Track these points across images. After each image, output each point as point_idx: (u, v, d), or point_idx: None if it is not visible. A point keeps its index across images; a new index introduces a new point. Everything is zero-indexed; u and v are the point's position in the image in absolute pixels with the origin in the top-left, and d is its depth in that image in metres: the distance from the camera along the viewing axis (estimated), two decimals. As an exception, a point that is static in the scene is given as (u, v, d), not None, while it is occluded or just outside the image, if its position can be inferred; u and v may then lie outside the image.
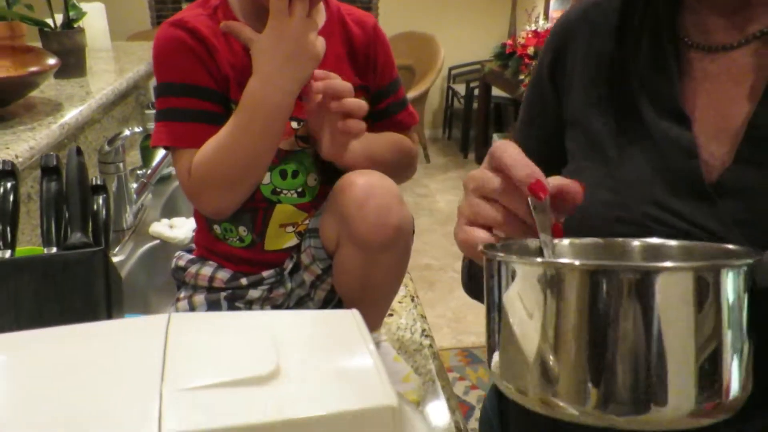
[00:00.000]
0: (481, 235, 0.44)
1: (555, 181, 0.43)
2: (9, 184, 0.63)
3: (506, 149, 0.43)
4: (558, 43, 0.63)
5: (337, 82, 0.65)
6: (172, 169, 1.37)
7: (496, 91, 4.07)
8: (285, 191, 0.71)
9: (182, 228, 1.18)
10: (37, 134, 1.00)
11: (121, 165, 1.12)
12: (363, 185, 0.63)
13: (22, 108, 1.12)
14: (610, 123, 0.58)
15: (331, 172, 0.71)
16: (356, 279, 0.68)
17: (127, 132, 1.12)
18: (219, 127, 0.66)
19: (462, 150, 4.65)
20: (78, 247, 0.59)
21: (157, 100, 0.68)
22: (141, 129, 1.14)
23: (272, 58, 0.62)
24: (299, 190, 0.71)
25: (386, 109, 0.76)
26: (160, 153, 1.19)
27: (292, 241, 0.72)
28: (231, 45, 0.67)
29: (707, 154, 0.52)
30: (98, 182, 0.76)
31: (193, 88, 0.66)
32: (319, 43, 0.64)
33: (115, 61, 1.75)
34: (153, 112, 1.44)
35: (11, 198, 0.63)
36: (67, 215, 0.62)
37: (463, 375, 2.25)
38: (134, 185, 1.19)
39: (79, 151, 0.64)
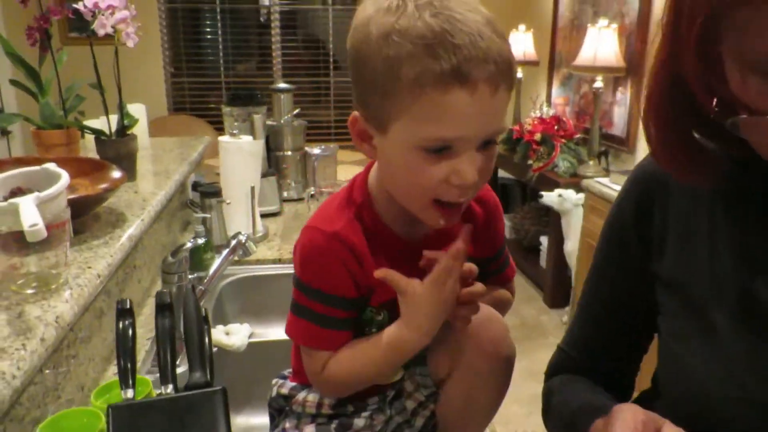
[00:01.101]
0: None
1: None
2: (127, 322, 0.67)
3: None
4: (642, 190, 0.66)
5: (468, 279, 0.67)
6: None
7: (502, 173, 4.19)
8: None
9: (238, 335, 1.21)
10: (111, 249, 1.04)
11: (183, 275, 1.16)
12: (479, 317, 0.67)
13: (91, 219, 1.17)
14: (714, 295, 0.58)
15: None
16: (463, 406, 0.71)
17: (189, 243, 1.17)
18: (352, 331, 0.70)
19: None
20: (200, 386, 0.62)
21: (297, 293, 0.70)
22: (203, 240, 1.19)
23: (425, 315, 0.66)
24: None
25: (495, 270, 0.80)
26: (216, 261, 1.24)
27: (400, 374, 0.75)
28: (378, 255, 0.69)
29: None
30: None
31: (338, 300, 0.69)
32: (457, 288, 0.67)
33: (157, 160, 1.83)
34: (199, 214, 1.49)
35: (130, 335, 0.66)
36: (185, 352, 0.65)
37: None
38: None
39: (193, 288, 0.68)
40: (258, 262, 1.57)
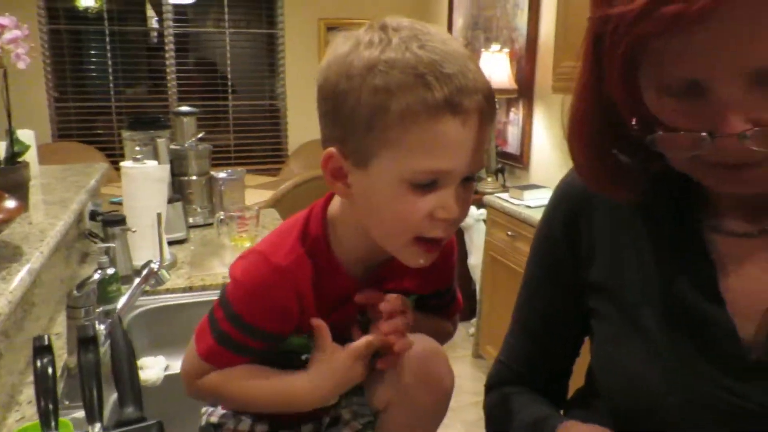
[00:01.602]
0: None
1: None
2: (46, 360, 0.62)
3: None
4: (569, 206, 0.71)
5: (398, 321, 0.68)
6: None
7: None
8: None
9: (154, 368, 1.15)
10: (9, 285, 0.96)
11: (91, 309, 1.09)
12: (421, 353, 0.67)
13: (-18, 254, 1.08)
14: (642, 298, 0.62)
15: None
16: None
17: (96, 275, 1.11)
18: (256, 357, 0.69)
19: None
20: (134, 421, 0.59)
21: (221, 313, 0.67)
22: (112, 271, 1.13)
23: (332, 379, 0.67)
24: None
25: (444, 303, 0.80)
26: (127, 293, 1.17)
27: (335, 399, 0.75)
28: (322, 294, 0.68)
29: (743, 332, 0.57)
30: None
31: (261, 333, 0.67)
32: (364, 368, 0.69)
33: (49, 189, 1.71)
34: (100, 244, 1.41)
35: (50, 373, 0.62)
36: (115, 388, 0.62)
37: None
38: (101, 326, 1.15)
39: (119, 319, 0.65)
40: (168, 291, 1.51)
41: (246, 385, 0.68)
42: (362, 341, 0.67)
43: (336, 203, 0.69)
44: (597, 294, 0.68)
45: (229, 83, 4.62)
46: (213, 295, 1.52)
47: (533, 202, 2.62)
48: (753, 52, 0.45)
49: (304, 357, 0.72)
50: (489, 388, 0.80)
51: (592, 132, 0.59)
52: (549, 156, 3.05)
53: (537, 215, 2.45)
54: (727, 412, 0.57)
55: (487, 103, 0.58)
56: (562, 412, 0.78)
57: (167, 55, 4.40)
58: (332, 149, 0.61)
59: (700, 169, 0.54)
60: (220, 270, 1.63)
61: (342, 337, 0.69)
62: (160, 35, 4.42)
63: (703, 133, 0.49)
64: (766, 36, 0.44)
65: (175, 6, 4.36)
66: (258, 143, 4.74)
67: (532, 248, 0.77)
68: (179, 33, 4.43)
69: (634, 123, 0.55)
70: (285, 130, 4.69)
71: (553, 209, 0.74)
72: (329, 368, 0.66)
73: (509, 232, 2.65)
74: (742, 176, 0.51)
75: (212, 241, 1.90)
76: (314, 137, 4.49)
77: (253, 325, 0.66)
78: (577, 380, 0.80)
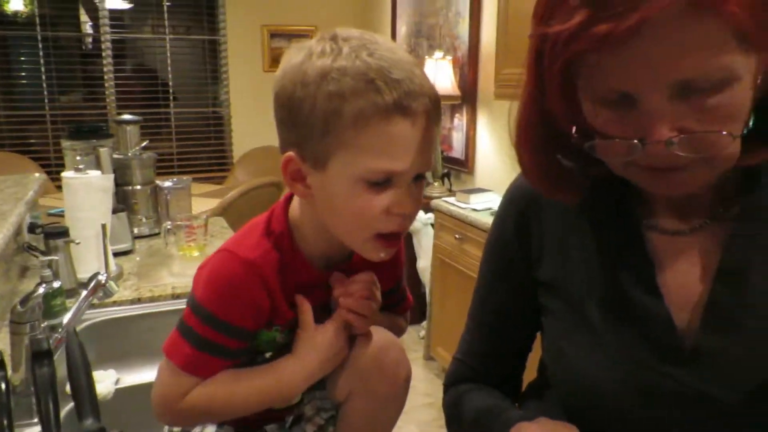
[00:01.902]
0: None
1: None
2: (-2, 375, 0.61)
3: None
4: (519, 208, 0.74)
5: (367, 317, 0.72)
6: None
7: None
8: None
9: (104, 382, 1.12)
10: (-52, 302, 0.92)
11: (36, 324, 1.05)
12: (378, 342, 0.70)
13: None
14: (588, 293, 0.66)
15: None
16: (364, 428, 0.73)
17: (41, 289, 1.07)
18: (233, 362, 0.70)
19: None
20: (94, 434, 0.58)
21: (192, 316, 0.67)
22: (58, 284, 1.09)
23: (317, 357, 0.70)
24: None
25: (395, 301, 0.83)
26: (74, 306, 1.14)
27: (299, 397, 0.75)
28: (290, 288, 0.70)
29: (678, 322, 0.62)
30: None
31: (234, 330, 0.68)
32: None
33: (-17, 201, 1.63)
34: (41, 257, 1.37)
35: (3, 389, 0.60)
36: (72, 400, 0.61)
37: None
38: (46, 342, 1.12)
39: (74, 331, 0.64)
40: (115, 303, 1.47)
41: (235, 388, 0.69)
42: (336, 314, 0.70)
43: (296, 204, 0.71)
44: (547, 291, 0.72)
45: (171, 90, 4.53)
46: (162, 306, 1.49)
47: (479, 205, 2.68)
48: (674, 67, 0.49)
49: (268, 355, 0.73)
50: (447, 386, 0.83)
51: (536, 139, 0.63)
52: (493, 160, 3.13)
53: (483, 218, 2.52)
54: (665, 397, 0.61)
55: (433, 106, 0.63)
56: (517, 405, 0.81)
57: (105, 62, 4.27)
58: (291, 153, 0.64)
59: (635, 173, 0.58)
60: (168, 280, 1.60)
61: None
62: (96, 41, 4.28)
63: (635, 141, 0.53)
64: (683, 53, 0.49)
65: (111, 11, 4.24)
66: (202, 151, 4.66)
67: (485, 249, 0.80)
68: (116, 39, 4.31)
69: (574, 132, 0.59)
70: (230, 137, 4.62)
71: (504, 211, 0.77)
72: (315, 344, 0.69)
73: (457, 235, 2.71)
74: (671, 179, 0.56)
75: (159, 251, 1.86)
76: (260, 144, 4.45)
77: (228, 323, 0.67)
78: (529, 374, 0.83)
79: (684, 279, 0.63)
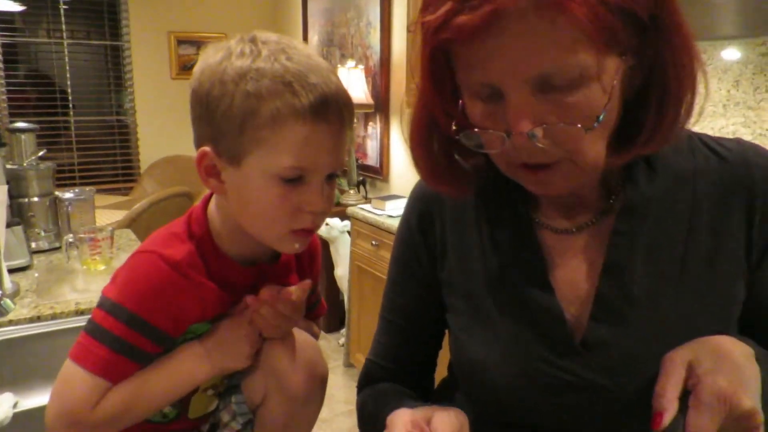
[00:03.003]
0: None
1: None
2: None
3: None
4: (423, 208, 0.76)
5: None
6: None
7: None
8: None
9: (2, 406, 1.04)
10: None
11: None
12: (294, 341, 0.69)
13: None
14: (486, 290, 0.69)
15: None
16: (280, 430, 0.72)
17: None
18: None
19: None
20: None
21: (108, 318, 0.65)
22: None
23: (220, 341, 0.70)
24: None
25: (311, 305, 0.83)
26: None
27: (215, 404, 0.73)
28: (215, 284, 0.69)
29: (569, 315, 0.65)
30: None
31: (159, 335, 0.66)
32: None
33: None
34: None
35: None
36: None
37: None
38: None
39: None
40: (11, 323, 1.37)
41: (147, 385, 0.67)
42: (248, 315, 0.71)
43: (213, 206, 0.71)
44: (449, 288, 0.74)
45: (69, 98, 4.28)
46: (65, 324, 1.40)
47: (395, 211, 2.72)
48: (529, 62, 0.52)
49: None
50: (360, 387, 0.83)
51: (423, 133, 0.66)
52: (407, 167, 3.18)
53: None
54: (560, 388, 0.64)
55: (347, 110, 0.66)
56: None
57: (-6, 67, 3.98)
58: (206, 148, 0.65)
59: (513, 171, 0.62)
60: (71, 296, 1.51)
61: None
62: (-14, 45, 3.99)
63: (502, 133, 0.57)
64: (538, 49, 0.52)
65: (1, 13, 3.97)
66: (105, 161, 4.44)
67: (393, 248, 0.81)
68: (7, 43, 4.03)
69: (453, 126, 0.62)
70: (136, 147, 4.43)
71: (409, 210, 0.79)
72: (217, 333, 0.70)
73: (373, 242, 2.73)
74: (542, 176, 0.59)
75: (60, 266, 1.75)
76: (168, 154, 4.29)
77: (151, 324, 0.65)
78: (441, 372, 0.85)
79: (573, 275, 0.67)
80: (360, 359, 2.88)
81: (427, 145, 0.67)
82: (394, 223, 2.58)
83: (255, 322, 0.70)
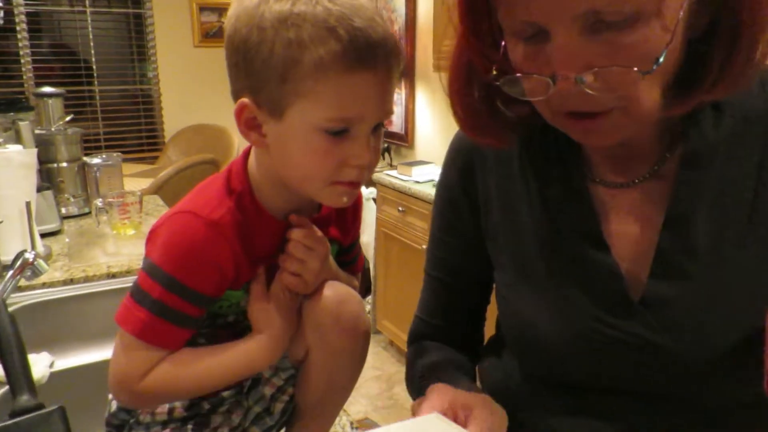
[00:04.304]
0: None
1: None
2: None
3: None
4: (463, 160, 0.73)
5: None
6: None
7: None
8: None
9: (37, 366, 1.05)
10: None
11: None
12: (335, 296, 0.67)
13: None
14: (535, 247, 0.66)
15: None
16: (323, 385, 0.71)
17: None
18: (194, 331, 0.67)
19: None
20: (32, 409, 0.54)
21: (149, 281, 0.63)
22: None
23: (278, 320, 0.68)
24: None
25: (351, 259, 0.80)
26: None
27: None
28: (256, 244, 0.67)
29: (626, 273, 0.62)
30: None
31: (199, 297, 0.64)
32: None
33: None
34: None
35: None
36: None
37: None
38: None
39: (4, 304, 0.59)
40: (44, 285, 1.38)
41: (202, 365, 0.66)
42: (277, 279, 0.69)
43: (253, 160, 0.68)
44: (493, 242, 0.71)
45: (94, 67, 4.29)
46: (98, 287, 1.41)
47: (421, 177, 2.69)
48: None
49: (231, 319, 0.71)
50: (409, 342, 0.82)
51: (464, 84, 0.63)
52: (433, 133, 3.14)
53: (426, 190, 2.53)
54: (614, 348, 0.61)
55: (393, 55, 0.61)
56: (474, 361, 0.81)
57: (20, 36, 3.99)
58: (245, 99, 0.61)
59: (559, 120, 0.57)
60: (103, 260, 1.52)
61: None
62: (9, 14, 3.99)
63: (547, 78, 0.52)
64: None
65: (25, -19, 3.96)
66: (130, 131, 4.45)
67: (434, 204, 0.79)
68: (31, 12, 4.03)
69: (494, 72, 0.58)
70: (160, 116, 4.44)
71: (451, 161, 0.76)
72: (272, 313, 0.67)
73: (400, 208, 2.71)
74: (590, 125, 0.55)
75: (90, 230, 1.76)
76: (192, 123, 4.30)
77: (189, 287, 0.63)
78: (490, 328, 0.83)
79: (629, 231, 0.63)
80: (386, 326, 2.89)
81: (467, 94, 0.63)
82: (421, 189, 2.55)
83: (289, 285, 0.68)
